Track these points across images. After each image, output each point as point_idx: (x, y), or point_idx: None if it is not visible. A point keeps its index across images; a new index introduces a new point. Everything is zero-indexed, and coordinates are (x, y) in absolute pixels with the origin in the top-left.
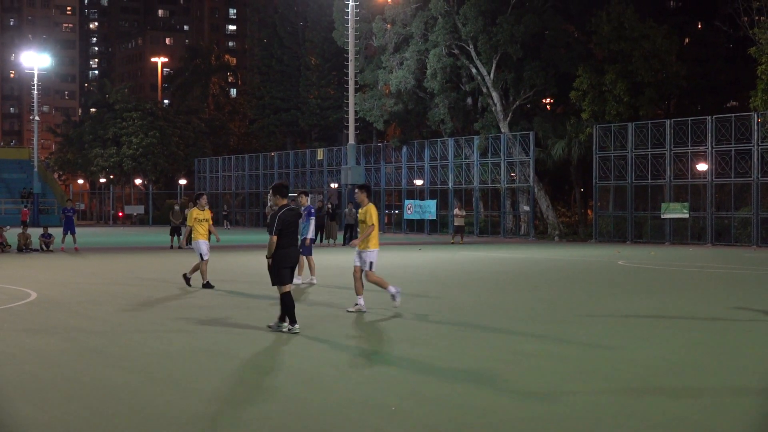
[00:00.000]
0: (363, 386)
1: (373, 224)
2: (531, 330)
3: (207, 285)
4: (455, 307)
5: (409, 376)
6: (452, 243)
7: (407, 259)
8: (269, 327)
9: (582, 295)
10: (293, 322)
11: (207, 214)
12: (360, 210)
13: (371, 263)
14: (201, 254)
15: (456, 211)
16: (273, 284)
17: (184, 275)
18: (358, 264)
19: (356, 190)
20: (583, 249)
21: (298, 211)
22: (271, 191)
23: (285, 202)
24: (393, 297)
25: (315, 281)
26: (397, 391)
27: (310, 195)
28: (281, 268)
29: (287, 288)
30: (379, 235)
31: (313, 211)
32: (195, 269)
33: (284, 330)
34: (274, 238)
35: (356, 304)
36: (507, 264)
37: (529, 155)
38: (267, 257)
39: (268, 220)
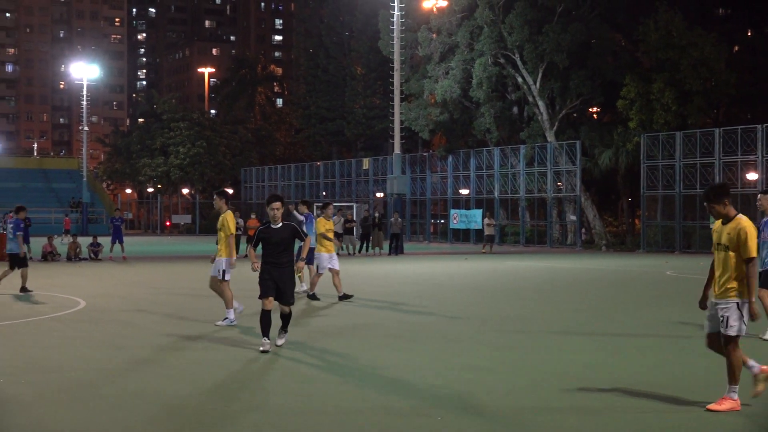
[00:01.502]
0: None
1: (232, 233)
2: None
3: (312, 296)
4: (518, 318)
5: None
6: (483, 252)
7: (454, 269)
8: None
9: (633, 305)
10: (263, 334)
11: (331, 224)
12: (220, 217)
13: (223, 271)
14: (318, 267)
15: (486, 220)
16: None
17: (311, 290)
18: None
19: (215, 196)
20: (631, 259)
21: (288, 226)
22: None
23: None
24: (226, 319)
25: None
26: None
27: (330, 204)
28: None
29: (264, 305)
30: (234, 245)
31: (313, 219)
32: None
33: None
34: (251, 250)
35: (225, 318)
36: (554, 274)
37: (575, 164)
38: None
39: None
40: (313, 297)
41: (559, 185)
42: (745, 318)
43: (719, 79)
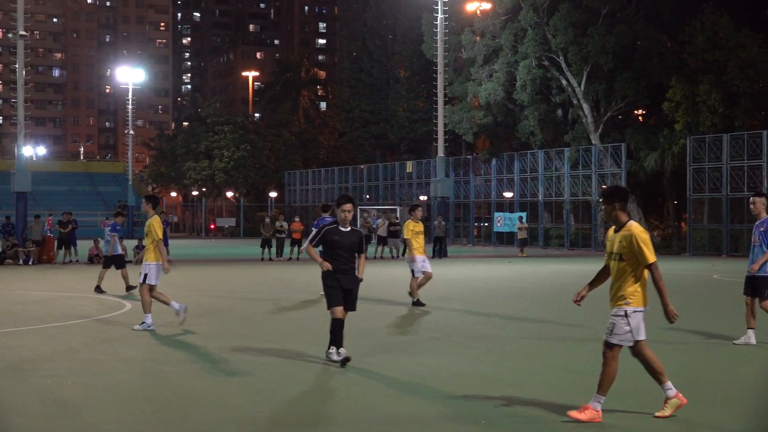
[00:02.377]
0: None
1: (159, 239)
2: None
3: (418, 303)
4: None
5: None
6: (521, 256)
7: (497, 272)
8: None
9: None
10: (331, 344)
11: (421, 226)
12: (146, 222)
13: (145, 275)
14: (413, 270)
15: (518, 224)
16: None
17: (414, 296)
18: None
19: (143, 201)
20: (677, 262)
21: (354, 231)
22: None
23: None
24: (143, 323)
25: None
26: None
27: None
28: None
29: (334, 314)
30: (160, 250)
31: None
32: (418, 286)
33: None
34: (312, 248)
35: (142, 322)
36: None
37: (620, 167)
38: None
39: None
40: (418, 303)
41: (603, 188)
42: (632, 326)
43: (767, 81)
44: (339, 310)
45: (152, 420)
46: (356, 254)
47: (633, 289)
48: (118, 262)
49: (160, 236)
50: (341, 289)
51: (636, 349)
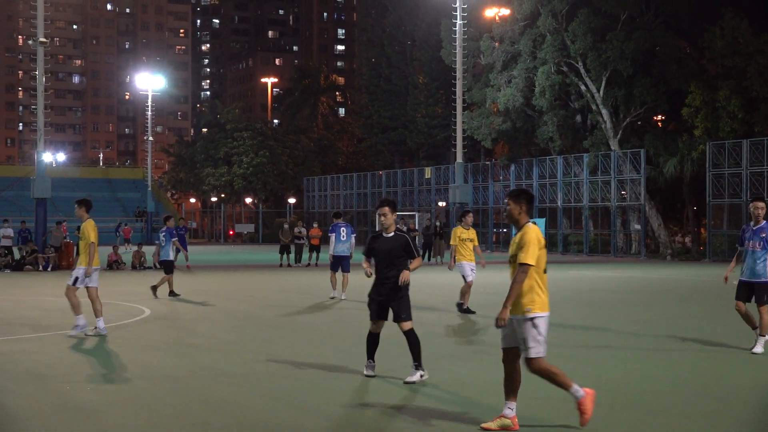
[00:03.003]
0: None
1: (93, 242)
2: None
3: (467, 310)
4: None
5: None
6: None
7: None
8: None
9: (703, 317)
10: (368, 358)
11: (472, 233)
12: (81, 226)
13: (76, 279)
14: (464, 276)
15: None
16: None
17: (460, 305)
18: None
19: (76, 205)
20: (697, 268)
21: (402, 238)
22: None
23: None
24: (77, 326)
25: (344, 297)
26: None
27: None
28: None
29: (371, 324)
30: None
31: (341, 228)
32: (463, 293)
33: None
34: (366, 262)
35: (95, 327)
36: (619, 283)
37: (639, 173)
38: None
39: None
40: (467, 311)
41: (623, 194)
42: (542, 331)
43: None
44: (375, 326)
45: (170, 425)
46: (406, 260)
47: (532, 293)
48: (167, 267)
49: (93, 239)
50: (379, 304)
51: (536, 364)
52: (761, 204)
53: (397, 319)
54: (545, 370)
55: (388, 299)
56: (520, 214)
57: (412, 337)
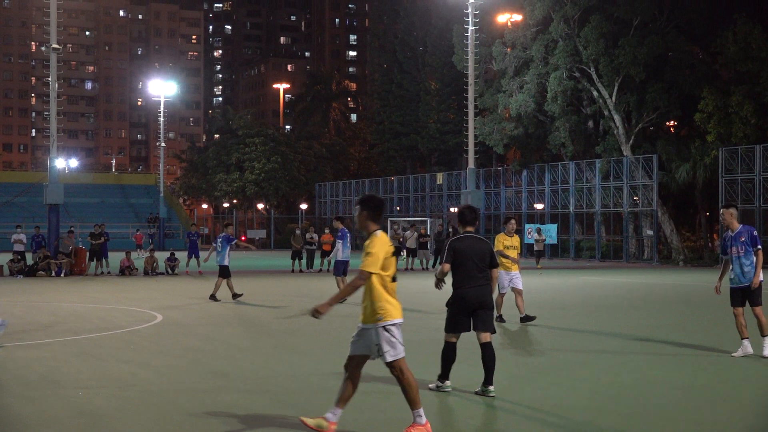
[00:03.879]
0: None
1: None
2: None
3: (499, 318)
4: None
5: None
6: (537, 269)
7: (527, 284)
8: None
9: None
10: (442, 377)
11: (515, 240)
12: None
13: None
14: (500, 287)
15: (536, 236)
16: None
17: (499, 316)
18: None
19: None
20: (709, 274)
21: (482, 239)
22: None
23: (470, 229)
24: None
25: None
26: None
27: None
28: (449, 311)
29: (450, 338)
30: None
31: (347, 234)
32: (498, 305)
33: (432, 387)
34: (446, 267)
35: None
36: (631, 289)
37: (652, 179)
38: (436, 276)
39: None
40: (499, 319)
41: (635, 199)
42: (398, 337)
43: None
44: (453, 337)
45: (183, 431)
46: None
47: (380, 302)
48: (224, 271)
49: None
50: (466, 312)
51: (396, 367)
52: (730, 211)
53: (484, 328)
54: (404, 374)
55: (479, 307)
56: (368, 222)
57: (490, 351)
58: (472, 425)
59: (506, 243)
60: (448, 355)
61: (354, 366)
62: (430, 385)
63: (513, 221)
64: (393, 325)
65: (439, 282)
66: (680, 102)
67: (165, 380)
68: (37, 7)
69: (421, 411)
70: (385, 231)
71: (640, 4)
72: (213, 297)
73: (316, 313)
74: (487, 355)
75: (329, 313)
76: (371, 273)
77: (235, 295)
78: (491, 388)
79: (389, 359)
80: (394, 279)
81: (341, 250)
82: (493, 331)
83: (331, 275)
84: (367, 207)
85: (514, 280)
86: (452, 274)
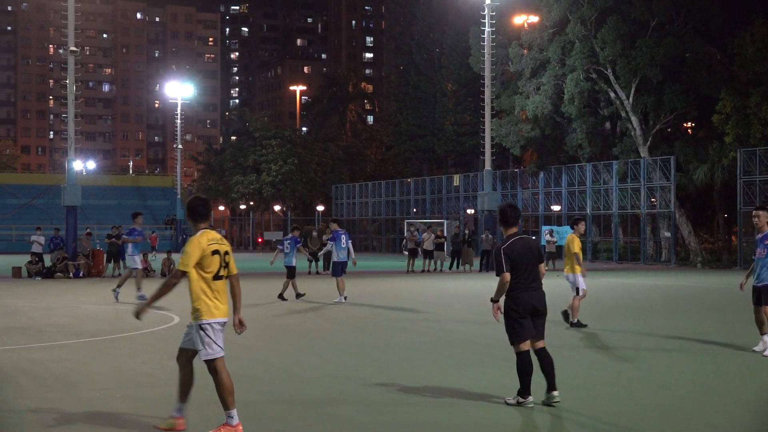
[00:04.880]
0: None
1: None
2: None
3: (578, 324)
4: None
5: None
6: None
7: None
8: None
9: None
10: (524, 392)
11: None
12: None
13: None
14: (578, 288)
15: (549, 237)
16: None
17: (574, 317)
18: None
19: None
20: (728, 276)
21: (530, 239)
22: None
23: (514, 230)
24: None
25: (343, 300)
26: None
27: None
28: (508, 320)
29: (521, 347)
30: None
31: (342, 235)
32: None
33: (511, 402)
34: (506, 276)
35: None
36: (650, 291)
37: (669, 180)
38: (492, 300)
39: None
40: (578, 324)
41: (652, 201)
42: (213, 337)
43: None
44: (525, 344)
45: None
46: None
47: (200, 302)
48: (291, 272)
49: None
50: (530, 317)
51: (211, 366)
52: (759, 213)
53: (540, 336)
54: (219, 374)
55: (533, 313)
56: (191, 223)
57: (547, 357)
58: None
59: (578, 245)
60: (524, 366)
61: (185, 359)
62: (508, 400)
63: (583, 222)
64: (209, 324)
65: (497, 309)
66: (698, 103)
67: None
68: (55, 10)
69: (234, 412)
70: (402, 232)
71: (657, 5)
72: (281, 297)
73: (137, 314)
74: (545, 361)
75: (348, 315)
76: (183, 271)
77: (298, 295)
78: (555, 393)
79: (203, 358)
80: (218, 277)
81: (335, 252)
82: (543, 336)
83: (348, 277)
84: (186, 211)
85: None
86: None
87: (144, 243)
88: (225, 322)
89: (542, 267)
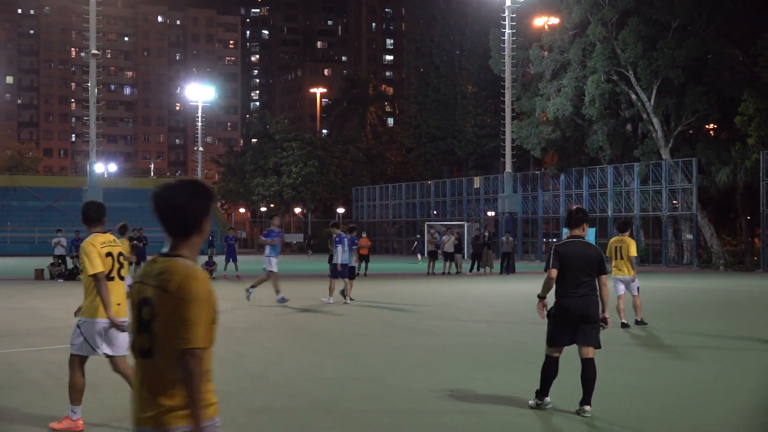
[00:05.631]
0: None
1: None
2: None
3: (641, 321)
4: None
5: None
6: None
7: None
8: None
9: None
10: (541, 394)
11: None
12: None
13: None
14: (632, 289)
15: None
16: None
17: (638, 316)
18: None
19: None
20: (751, 279)
21: (590, 244)
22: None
23: (576, 232)
24: None
25: (331, 301)
26: None
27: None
28: (549, 323)
29: (552, 352)
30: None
31: (345, 239)
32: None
33: (532, 405)
34: (552, 272)
35: None
36: (671, 294)
37: (691, 182)
38: (538, 297)
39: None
40: (641, 322)
41: (674, 203)
42: (86, 335)
43: None
44: (554, 351)
45: None
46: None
47: (88, 302)
48: (350, 272)
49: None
50: (571, 323)
51: (113, 363)
52: None
53: (588, 342)
54: (72, 370)
55: (582, 320)
56: (88, 226)
57: (592, 368)
58: None
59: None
60: (549, 370)
61: (73, 365)
62: (530, 402)
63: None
64: (84, 322)
65: (542, 307)
66: (720, 105)
67: None
68: (77, 13)
69: (78, 409)
70: (423, 234)
71: (678, 7)
72: (344, 295)
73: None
74: (587, 372)
75: (369, 317)
76: (92, 274)
77: (344, 295)
78: (588, 408)
79: (71, 351)
80: (110, 278)
81: (339, 255)
82: (597, 346)
83: (368, 279)
84: (82, 215)
85: (632, 284)
86: (556, 282)
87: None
88: (109, 323)
89: (603, 278)
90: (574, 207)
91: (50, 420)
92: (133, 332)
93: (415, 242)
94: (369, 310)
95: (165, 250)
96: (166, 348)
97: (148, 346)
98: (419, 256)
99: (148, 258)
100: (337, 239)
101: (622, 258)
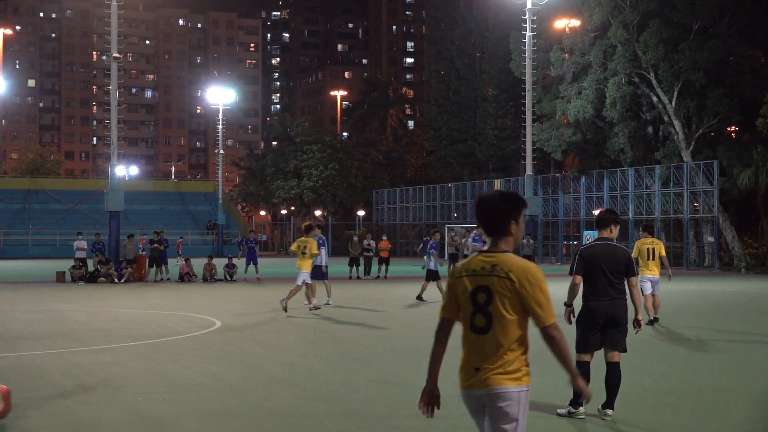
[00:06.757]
0: None
1: None
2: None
3: (653, 321)
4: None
5: None
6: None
7: None
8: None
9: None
10: (575, 403)
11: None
12: None
13: None
14: (642, 290)
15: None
16: None
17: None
18: None
19: None
20: None
21: (617, 246)
22: None
23: (604, 233)
24: None
25: (330, 303)
26: None
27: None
28: (578, 328)
29: (582, 357)
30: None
31: (325, 242)
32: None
33: (562, 413)
34: (577, 278)
35: None
36: (691, 297)
37: (713, 185)
38: (565, 305)
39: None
40: (655, 321)
41: (695, 206)
42: None
43: None
44: (588, 355)
45: None
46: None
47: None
48: (434, 275)
49: None
50: (600, 326)
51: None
52: None
53: (615, 346)
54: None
55: (609, 323)
56: None
57: (617, 374)
58: None
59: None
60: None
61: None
62: (559, 411)
63: (650, 225)
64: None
65: (569, 314)
66: (742, 107)
67: (223, 386)
68: (99, 17)
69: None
70: (443, 237)
71: (700, 9)
72: (419, 297)
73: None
74: (612, 376)
75: (390, 320)
76: None
77: (420, 297)
78: (610, 412)
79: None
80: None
81: (323, 257)
82: (623, 350)
83: (389, 282)
84: None
85: (656, 285)
86: (582, 285)
87: (190, 248)
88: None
89: (633, 280)
90: (606, 209)
91: (69, 421)
92: (470, 314)
93: (421, 244)
94: (389, 313)
95: (484, 248)
96: (501, 323)
97: (484, 324)
98: (425, 257)
99: (473, 255)
100: (322, 241)
101: (654, 258)
